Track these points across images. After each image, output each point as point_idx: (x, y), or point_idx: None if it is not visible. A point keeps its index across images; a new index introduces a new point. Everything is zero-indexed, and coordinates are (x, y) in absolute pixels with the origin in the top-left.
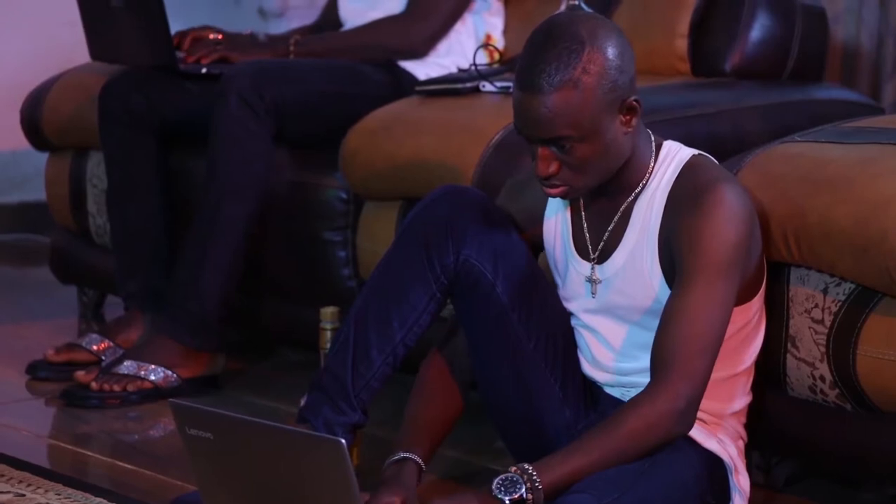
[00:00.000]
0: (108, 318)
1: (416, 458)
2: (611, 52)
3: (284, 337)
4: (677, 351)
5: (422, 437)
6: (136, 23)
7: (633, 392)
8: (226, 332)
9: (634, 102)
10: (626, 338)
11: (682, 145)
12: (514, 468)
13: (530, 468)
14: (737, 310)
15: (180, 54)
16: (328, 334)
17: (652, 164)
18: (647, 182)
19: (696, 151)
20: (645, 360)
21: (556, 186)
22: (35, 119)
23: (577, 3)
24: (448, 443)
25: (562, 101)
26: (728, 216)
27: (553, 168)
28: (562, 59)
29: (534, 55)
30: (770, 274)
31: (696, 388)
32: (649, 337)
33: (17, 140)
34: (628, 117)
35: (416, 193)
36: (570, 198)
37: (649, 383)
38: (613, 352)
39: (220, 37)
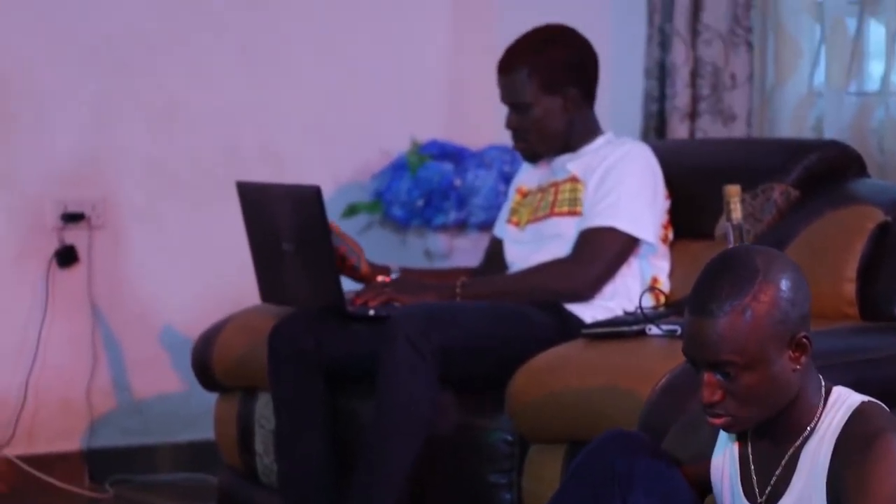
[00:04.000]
0: None
1: None
2: (784, 284)
3: None
4: None
5: None
6: (305, 266)
7: None
8: None
9: (804, 339)
10: None
11: (852, 391)
12: None
13: None
14: None
15: (348, 296)
16: None
17: (821, 409)
18: (815, 426)
19: (865, 398)
20: None
21: (719, 416)
22: (206, 360)
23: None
24: None
25: (729, 327)
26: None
27: (717, 396)
28: (734, 286)
29: (707, 280)
30: None
31: None
32: None
33: (188, 380)
34: (797, 354)
35: (583, 436)
36: (734, 431)
37: None
38: None
39: (387, 279)
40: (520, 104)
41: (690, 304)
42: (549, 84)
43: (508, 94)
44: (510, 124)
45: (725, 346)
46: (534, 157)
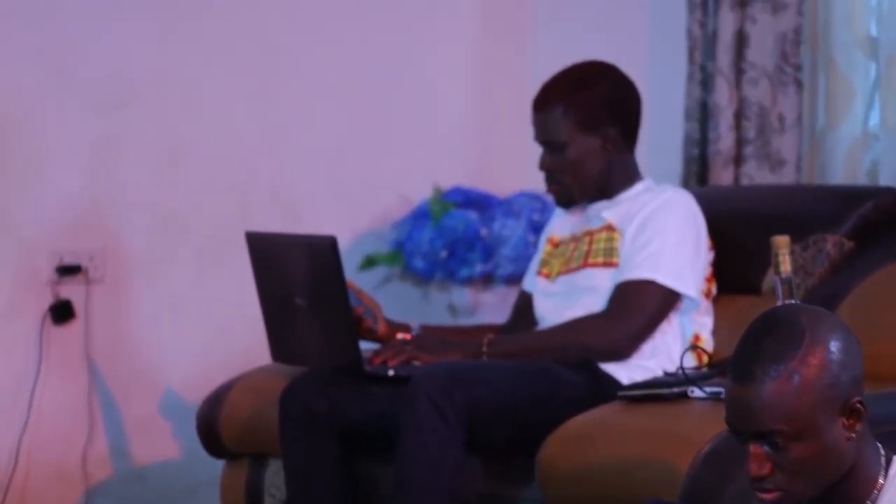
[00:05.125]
0: None
1: None
2: (833, 345)
3: None
4: None
5: None
6: (320, 322)
7: None
8: None
9: (858, 405)
10: None
11: None
12: None
13: None
14: None
15: (366, 354)
16: None
17: (881, 481)
18: (875, 500)
19: None
20: None
21: (770, 491)
22: (212, 423)
23: (793, 300)
24: None
25: (775, 394)
26: None
27: (766, 469)
28: (779, 348)
29: (749, 344)
30: None
31: None
32: None
33: (193, 446)
34: (851, 421)
35: None
36: None
37: None
38: None
39: (407, 337)
40: (554, 143)
41: (732, 370)
42: (587, 122)
43: (543, 133)
44: (544, 165)
45: (772, 415)
46: (568, 202)
